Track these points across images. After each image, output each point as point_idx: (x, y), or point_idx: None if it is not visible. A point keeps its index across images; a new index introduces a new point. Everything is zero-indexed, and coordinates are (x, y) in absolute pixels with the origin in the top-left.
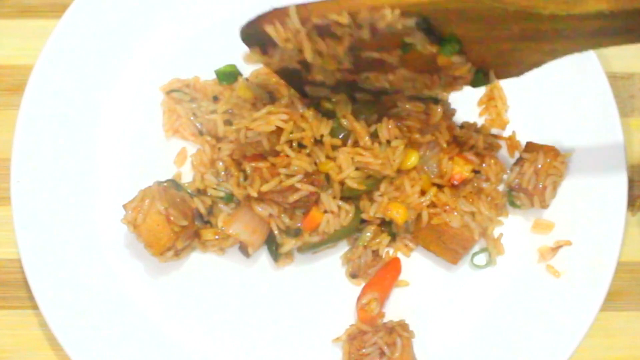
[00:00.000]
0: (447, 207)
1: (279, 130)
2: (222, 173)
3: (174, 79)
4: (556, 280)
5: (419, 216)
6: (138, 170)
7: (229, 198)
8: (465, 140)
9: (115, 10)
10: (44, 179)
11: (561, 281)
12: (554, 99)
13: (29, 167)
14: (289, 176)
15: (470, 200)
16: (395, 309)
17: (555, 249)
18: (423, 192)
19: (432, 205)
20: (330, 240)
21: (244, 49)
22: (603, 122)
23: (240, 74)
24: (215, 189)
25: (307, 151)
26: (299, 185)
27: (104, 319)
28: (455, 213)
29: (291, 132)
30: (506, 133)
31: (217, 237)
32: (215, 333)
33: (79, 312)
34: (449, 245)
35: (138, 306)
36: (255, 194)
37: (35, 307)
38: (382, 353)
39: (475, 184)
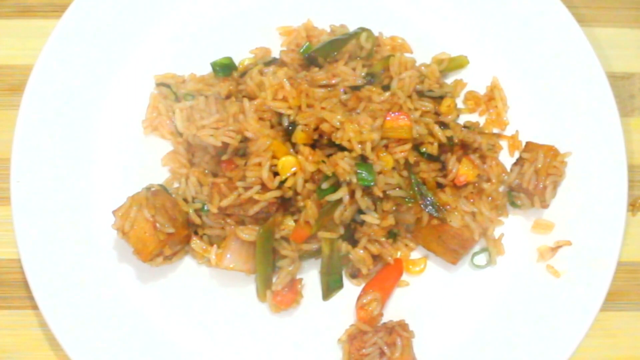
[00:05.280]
0: (448, 206)
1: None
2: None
3: (169, 73)
4: (556, 280)
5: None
6: (138, 170)
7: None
8: (469, 143)
9: (114, 10)
10: (44, 179)
11: (561, 281)
12: (554, 99)
13: (29, 167)
14: (246, 189)
15: (471, 200)
16: (395, 309)
17: (555, 249)
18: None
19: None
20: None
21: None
22: (603, 122)
23: (236, 68)
24: (193, 202)
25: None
26: (257, 197)
27: (104, 319)
28: (456, 213)
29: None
30: (506, 133)
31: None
32: (214, 333)
33: (79, 312)
34: (449, 245)
35: (137, 306)
36: (215, 210)
37: (35, 307)
38: (382, 353)
39: (477, 185)
